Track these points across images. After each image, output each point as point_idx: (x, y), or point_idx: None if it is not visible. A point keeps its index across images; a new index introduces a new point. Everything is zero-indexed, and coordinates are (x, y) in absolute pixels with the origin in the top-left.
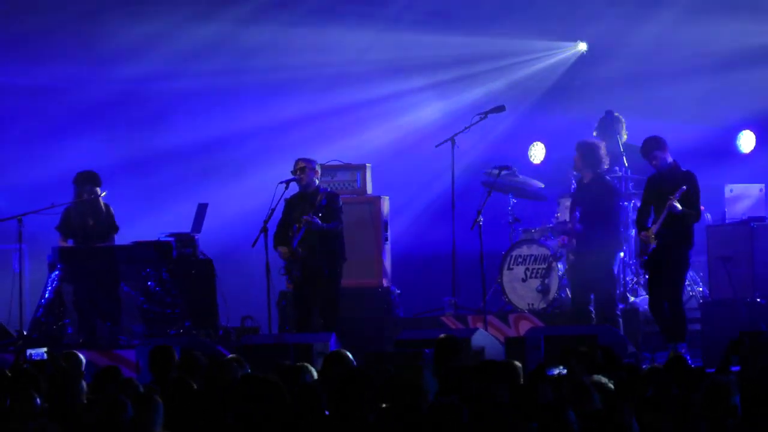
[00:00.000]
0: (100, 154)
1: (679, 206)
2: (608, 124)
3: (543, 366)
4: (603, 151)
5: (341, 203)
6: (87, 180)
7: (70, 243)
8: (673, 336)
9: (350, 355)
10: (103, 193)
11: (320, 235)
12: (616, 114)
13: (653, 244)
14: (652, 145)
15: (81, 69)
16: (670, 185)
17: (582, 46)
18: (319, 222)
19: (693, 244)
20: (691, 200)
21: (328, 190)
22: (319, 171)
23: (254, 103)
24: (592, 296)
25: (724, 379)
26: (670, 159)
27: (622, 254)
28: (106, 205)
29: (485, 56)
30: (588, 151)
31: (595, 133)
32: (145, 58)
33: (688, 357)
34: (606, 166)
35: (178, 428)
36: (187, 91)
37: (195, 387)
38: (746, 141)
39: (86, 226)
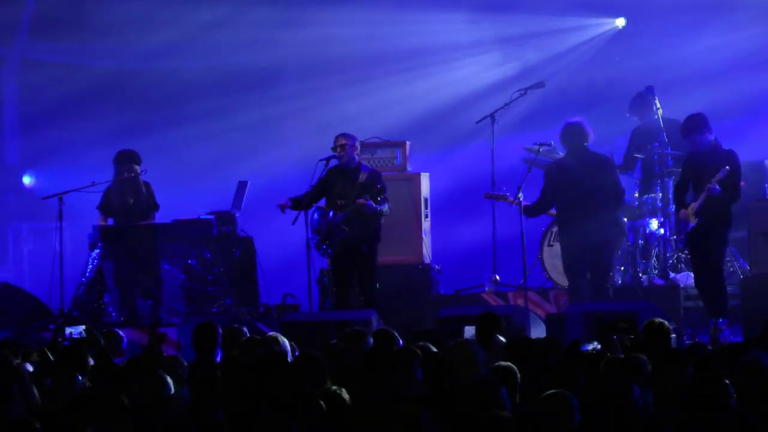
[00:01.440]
0: (140, 132)
1: (718, 187)
2: (642, 100)
3: (578, 342)
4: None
5: (385, 183)
6: (127, 159)
7: (110, 222)
8: (715, 311)
9: (396, 334)
10: (143, 171)
11: (361, 216)
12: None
13: (692, 222)
14: (693, 126)
15: (116, 47)
16: (711, 164)
17: (620, 22)
18: (374, 205)
19: (732, 222)
20: (732, 180)
21: (370, 168)
22: (359, 147)
23: (295, 79)
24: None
25: (761, 355)
26: (711, 137)
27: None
28: (146, 184)
29: (525, 32)
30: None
31: (628, 114)
32: (186, 36)
33: (727, 332)
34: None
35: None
36: (227, 67)
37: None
38: None
39: (127, 204)
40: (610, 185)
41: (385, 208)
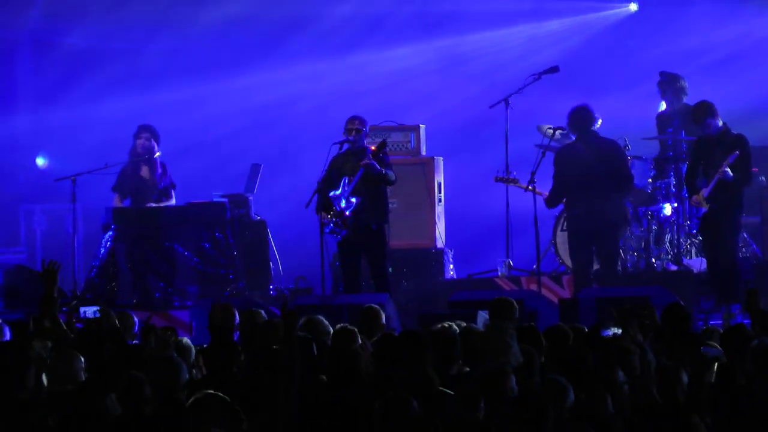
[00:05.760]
0: (154, 114)
1: (730, 173)
2: (667, 85)
3: (598, 326)
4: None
5: (390, 159)
6: (144, 129)
7: (126, 203)
8: (727, 297)
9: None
10: (158, 153)
11: (368, 190)
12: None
13: (704, 208)
14: (704, 112)
15: (134, 28)
16: (721, 149)
17: (633, 6)
18: (378, 166)
19: (743, 207)
20: (743, 165)
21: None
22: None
23: (309, 63)
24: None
25: None
26: (720, 123)
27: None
28: (163, 164)
29: (538, 15)
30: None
31: (663, 105)
32: (203, 19)
33: (740, 318)
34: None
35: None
36: (241, 49)
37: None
38: None
39: (141, 179)
40: (617, 171)
41: (389, 173)
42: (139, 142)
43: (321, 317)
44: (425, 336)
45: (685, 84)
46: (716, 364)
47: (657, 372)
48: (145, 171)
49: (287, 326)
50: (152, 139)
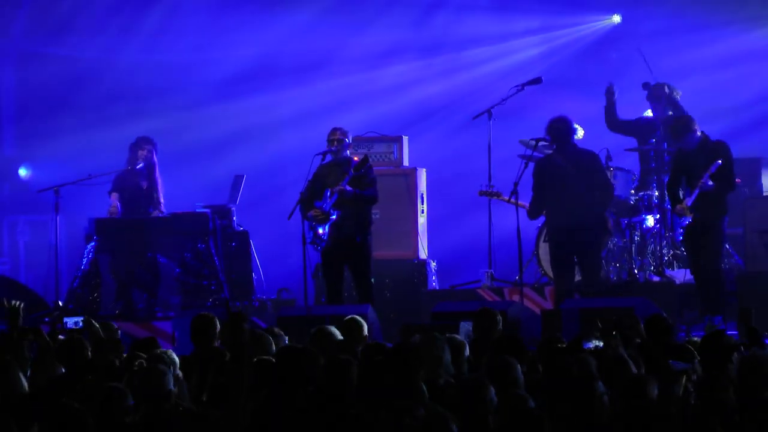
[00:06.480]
0: (136, 124)
1: (710, 182)
2: (660, 95)
3: (580, 339)
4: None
5: (374, 173)
6: (147, 141)
7: (118, 205)
8: (710, 308)
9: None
10: (140, 165)
11: (352, 203)
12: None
13: (688, 217)
14: (683, 128)
15: (115, 41)
16: (702, 158)
17: (616, 18)
18: (351, 189)
19: (728, 212)
20: (724, 172)
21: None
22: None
23: (290, 74)
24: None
25: (759, 351)
26: (699, 133)
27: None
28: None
29: (520, 29)
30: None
31: (649, 111)
32: (184, 31)
33: (722, 328)
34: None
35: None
36: (222, 62)
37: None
38: None
39: (139, 189)
40: (597, 181)
41: (370, 193)
42: (141, 153)
43: (332, 328)
44: (416, 349)
45: (678, 96)
46: (684, 377)
47: (626, 383)
48: (145, 182)
49: (233, 327)
50: (153, 152)
